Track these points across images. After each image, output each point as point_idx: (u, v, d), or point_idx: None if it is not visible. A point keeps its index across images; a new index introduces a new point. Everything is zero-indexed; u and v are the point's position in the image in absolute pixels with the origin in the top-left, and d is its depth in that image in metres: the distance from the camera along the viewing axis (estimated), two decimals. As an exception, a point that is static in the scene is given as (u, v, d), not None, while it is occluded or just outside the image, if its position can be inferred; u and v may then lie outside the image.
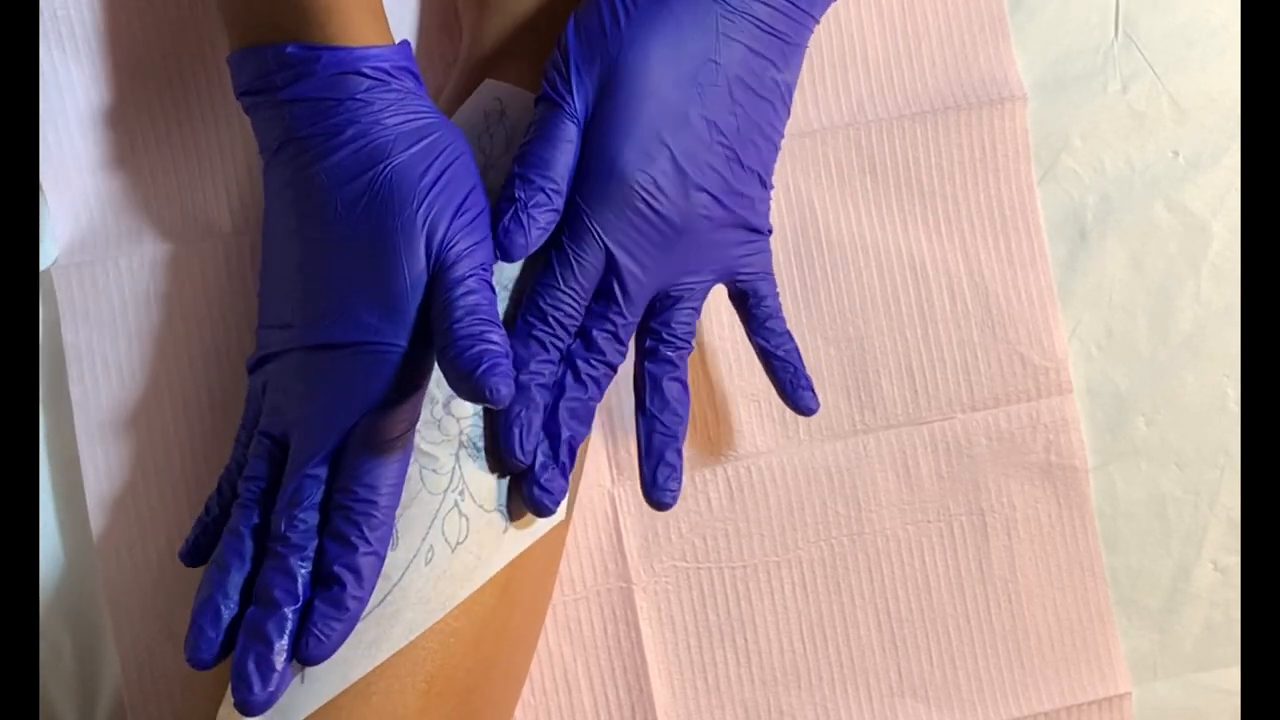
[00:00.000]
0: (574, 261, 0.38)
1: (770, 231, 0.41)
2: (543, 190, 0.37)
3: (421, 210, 0.35)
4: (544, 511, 0.38)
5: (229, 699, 0.35)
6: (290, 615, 0.34)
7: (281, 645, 0.34)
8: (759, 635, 0.46)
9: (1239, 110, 0.47)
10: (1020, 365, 0.46)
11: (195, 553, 0.39)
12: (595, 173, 0.37)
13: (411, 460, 0.36)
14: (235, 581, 0.35)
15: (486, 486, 0.37)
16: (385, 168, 0.36)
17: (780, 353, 0.42)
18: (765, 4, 0.38)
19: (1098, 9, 0.47)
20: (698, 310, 0.40)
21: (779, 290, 0.41)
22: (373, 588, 0.35)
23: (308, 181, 0.36)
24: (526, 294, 0.38)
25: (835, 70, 0.46)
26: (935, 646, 0.46)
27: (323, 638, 0.34)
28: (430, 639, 0.36)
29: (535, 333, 0.38)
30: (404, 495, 0.36)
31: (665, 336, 0.40)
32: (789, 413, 0.46)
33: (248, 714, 0.34)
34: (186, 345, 0.43)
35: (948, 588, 0.46)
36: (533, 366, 0.37)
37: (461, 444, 0.37)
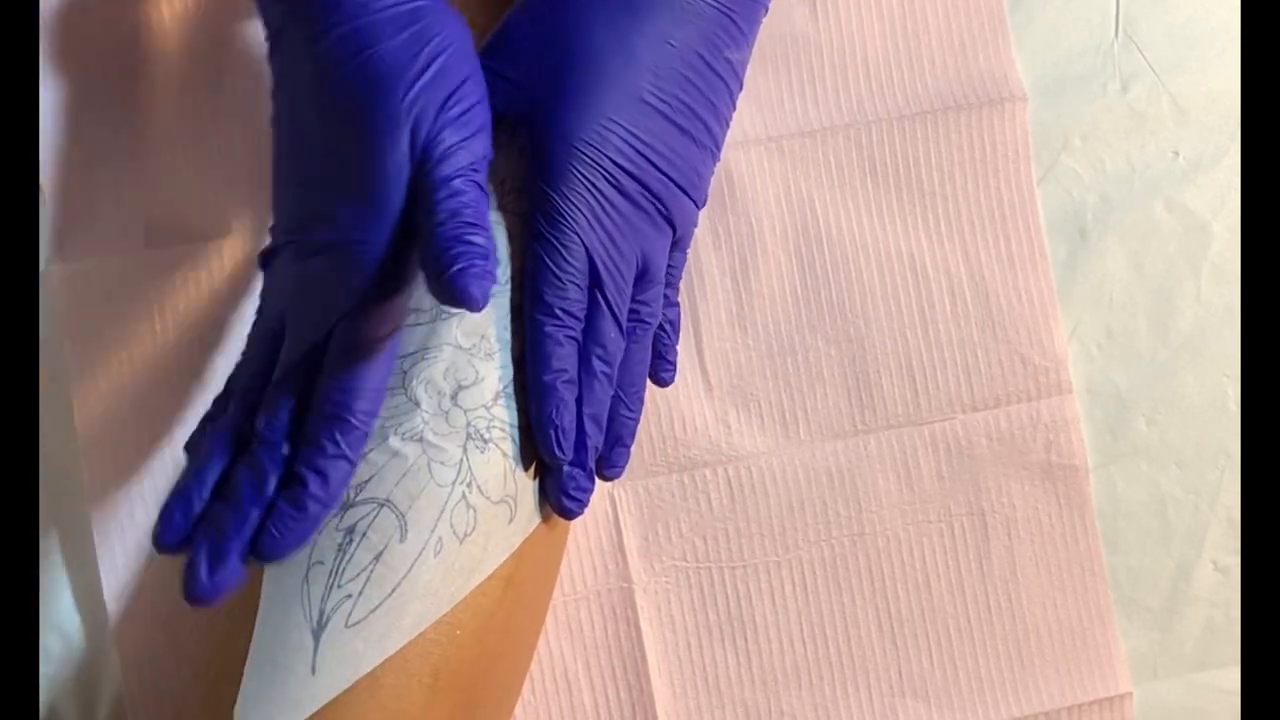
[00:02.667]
0: (560, 246, 0.37)
1: (705, 202, 0.41)
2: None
3: (406, 102, 0.34)
4: (570, 516, 0.38)
5: (242, 697, 0.35)
6: (252, 512, 0.34)
7: (239, 540, 0.34)
8: (759, 635, 0.46)
9: (1239, 110, 0.47)
10: (1020, 365, 0.46)
11: (196, 440, 0.38)
12: (555, 154, 0.37)
13: (420, 451, 0.36)
14: (214, 471, 0.35)
15: (494, 478, 0.37)
16: (370, 54, 0.34)
17: (665, 323, 0.42)
18: None
19: (1098, 9, 0.47)
20: (663, 285, 0.40)
21: (779, 289, 0.41)
22: (339, 492, 0.35)
23: (302, 65, 0.35)
24: (528, 292, 0.37)
25: (835, 70, 0.46)
26: (935, 646, 0.46)
27: (278, 535, 0.34)
28: (437, 632, 0.36)
29: (547, 329, 0.37)
30: (412, 487, 0.36)
31: (643, 316, 0.40)
32: (789, 413, 0.46)
33: (192, 603, 0.34)
34: (186, 345, 0.43)
35: (948, 588, 0.46)
36: (554, 364, 0.37)
37: (469, 435, 0.37)
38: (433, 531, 0.36)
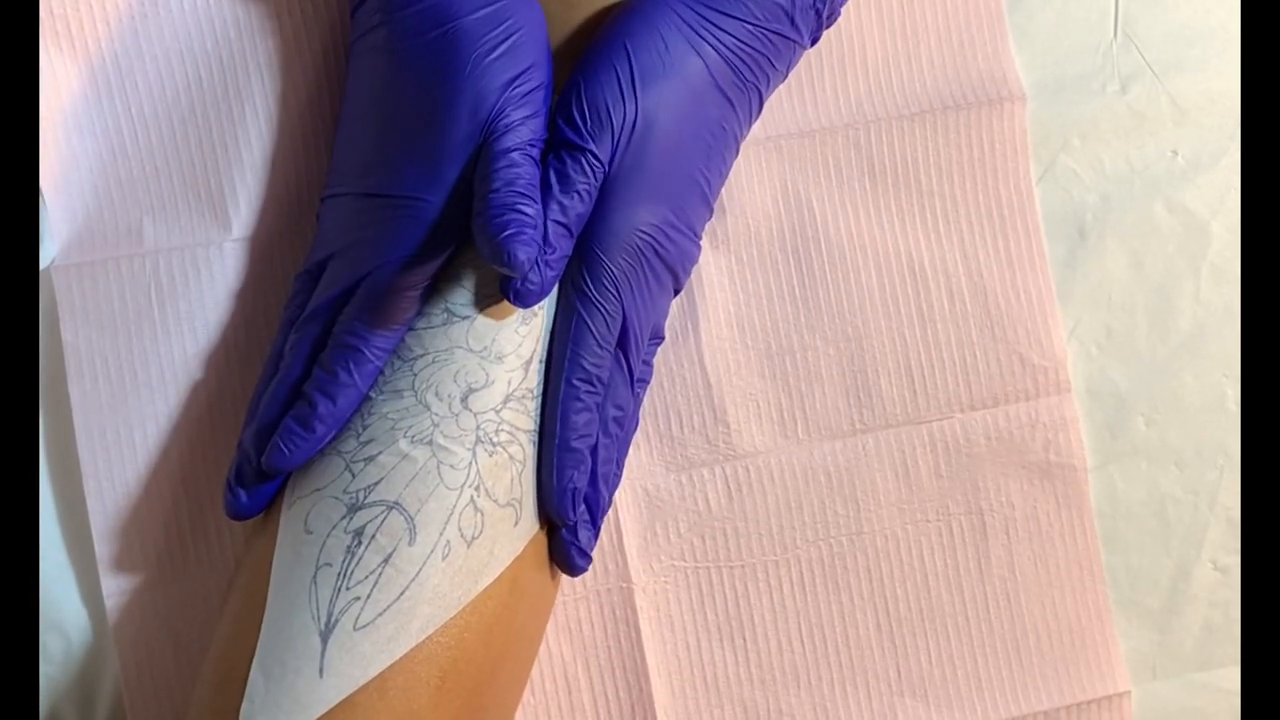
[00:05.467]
0: (606, 314, 0.38)
1: None
2: (559, 239, 0.37)
3: (474, 76, 0.36)
4: (578, 573, 0.40)
5: (248, 698, 0.35)
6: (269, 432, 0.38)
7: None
8: (758, 635, 0.46)
9: (1239, 110, 0.47)
10: (1019, 365, 0.46)
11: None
12: (617, 229, 0.38)
13: (430, 455, 0.36)
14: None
15: (501, 481, 0.37)
16: (448, 28, 0.36)
17: None
18: (754, 69, 0.40)
19: (1097, 9, 0.47)
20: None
21: (777, 288, 0.42)
22: (345, 416, 0.37)
23: (381, 35, 0.38)
24: (568, 357, 0.38)
25: (834, 70, 0.46)
26: (935, 646, 0.46)
27: (285, 451, 0.37)
28: (445, 635, 0.36)
29: (582, 395, 0.38)
30: (421, 490, 0.36)
31: (644, 375, 0.41)
32: (787, 412, 0.46)
33: (229, 517, 0.38)
34: (186, 345, 0.43)
35: (947, 587, 0.46)
36: (581, 429, 0.38)
37: (479, 439, 0.37)
38: (441, 534, 0.36)
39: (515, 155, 0.36)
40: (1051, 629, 0.47)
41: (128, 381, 0.43)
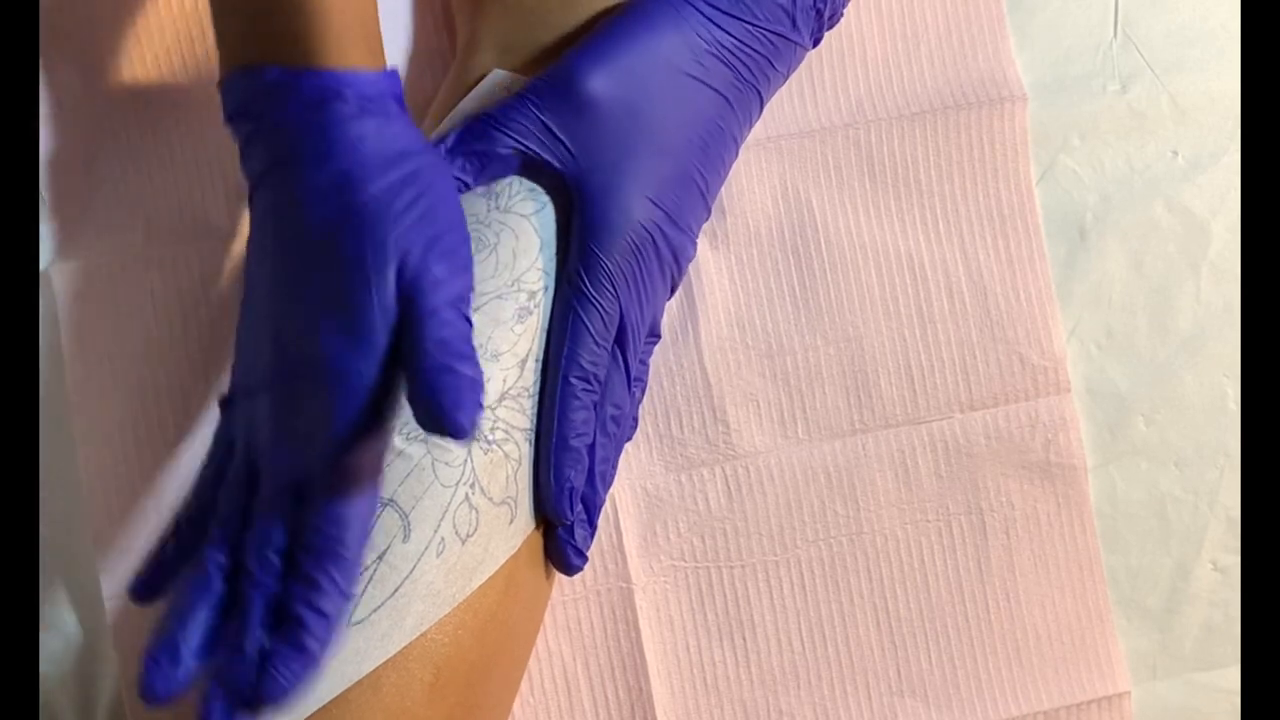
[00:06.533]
0: (602, 311, 0.38)
1: None
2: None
3: (393, 239, 0.34)
4: (574, 572, 0.40)
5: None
6: (259, 658, 0.33)
7: (250, 689, 0.33)
8: (758, 635, 0.46)
9: (1239, 110, 0.47)
10: (1019, 365, 0.46)
11: (147, 590, 0.36)
12: (614, 226, 0.38)
13: (425, 452, 0.36)
14: (198, 620, 0.34)
15: (496, 479, 0.37)
16: (359, 195, 0.34)
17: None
18: (753, 69, 0.40)
19: (1097, 9, 0.47)
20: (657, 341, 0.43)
21: (777, 288, 0.42)
22: (339, 625, 0.34)
23: (287, 206, 0.35)
24: (565, 355, 0.38)
25: (835, 70, 0.46)
26: (934, 646, 0.46)
27: (281, 679, 0.33)
28: (439, 631, 0.36)
29: (579, 393, 0.38)
30: (416, 487, 0.36)
31: (641, 374, 0.41)
32: (787, 412, 0.46)
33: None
34: (186, 345, 0.43)
35: (947, 587, 0.46)
36: (579, 427, 0.38)
37: (474, 436, 0.37)
38: (435, 531, 0.36)
39: (445, 313, 0.33)
40: (1051, 629, 0.47)
41: (127, 381, 0.43)
